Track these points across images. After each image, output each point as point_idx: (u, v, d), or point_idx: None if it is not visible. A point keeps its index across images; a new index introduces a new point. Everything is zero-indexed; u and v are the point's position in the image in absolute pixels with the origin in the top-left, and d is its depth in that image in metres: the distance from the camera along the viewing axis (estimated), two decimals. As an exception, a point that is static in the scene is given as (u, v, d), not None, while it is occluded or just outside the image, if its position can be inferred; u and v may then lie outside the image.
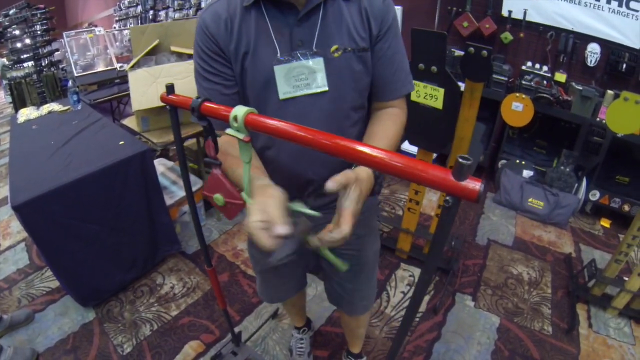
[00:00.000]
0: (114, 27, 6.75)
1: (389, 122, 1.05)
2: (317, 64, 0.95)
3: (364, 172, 0.80)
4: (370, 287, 1.49)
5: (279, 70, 0.94)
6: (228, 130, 0.76)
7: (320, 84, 0.96)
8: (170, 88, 0.94)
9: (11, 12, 4.91)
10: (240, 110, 0.74)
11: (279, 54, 0.94)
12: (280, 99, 0.97)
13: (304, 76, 0.95)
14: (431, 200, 3.34)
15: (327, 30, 0.94)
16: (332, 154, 0.64)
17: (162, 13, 6.15)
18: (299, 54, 0.94)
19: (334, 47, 0.95)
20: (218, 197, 0.91)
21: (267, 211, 0.70)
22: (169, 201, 2.55)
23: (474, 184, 0.50)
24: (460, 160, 0.48)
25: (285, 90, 0.96)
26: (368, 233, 1.33)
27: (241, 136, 0.75)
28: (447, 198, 0.52)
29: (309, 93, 0.97)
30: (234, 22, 0.93)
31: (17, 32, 4.89)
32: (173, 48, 2.63)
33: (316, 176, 1.07)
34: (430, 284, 2.37)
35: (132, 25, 6.49)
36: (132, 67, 2.46)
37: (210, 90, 1.00)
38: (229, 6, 0.94)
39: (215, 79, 0.99)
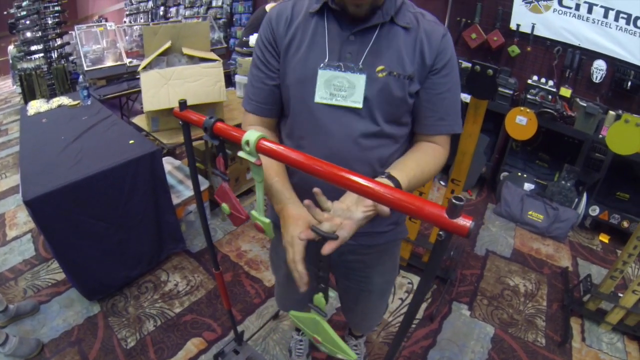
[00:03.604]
0: (124, 22, 6.78)
1: (423, 153, 1.04)
2: (359, 79, 0.96)
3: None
4: (377, 312, 1.53)
5: (322, 75, 0.98)
6: (240, 153, 0.78)
7: (356, 99, 0.97)
8: (183, 104, 0.95)
9: (24, 3, 4.95)
10: (252, 136, 0.75)
11: (326, 60, 0.98)
12: (315, 102, 1.00)
13: (343, 87, 0.97)
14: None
15: (377, 50, 0.96)
16: (338, 185, 0.66)
17: (173, 10, 6.18)
18: (344, 65, 0.97)
19: (379, 67, 0.96)
20: (225, 207, 0.98)
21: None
22: (175, 200, 2.59)
23: (465, 222, 0.55)
24: (454, 201, 0.54)
25: (322, 94, 0.99)
26: (384, 261, 1.35)
27: (253, 159, 0.77)
28: (441, 232, 0.58)
29: (343, 105, 0.98)
30: (294, 21, 1.02)
31: (27, 23, 4.93)
32: (185, 50, 2.65)
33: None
34: (428, 292, 2.41)
35: (142, 20, 6.51)
36: (144, 68, 2.49)
37: (256, 77, 1.09)
38: (294, 8, 1.04)
39: (263, 68, 1.07)
